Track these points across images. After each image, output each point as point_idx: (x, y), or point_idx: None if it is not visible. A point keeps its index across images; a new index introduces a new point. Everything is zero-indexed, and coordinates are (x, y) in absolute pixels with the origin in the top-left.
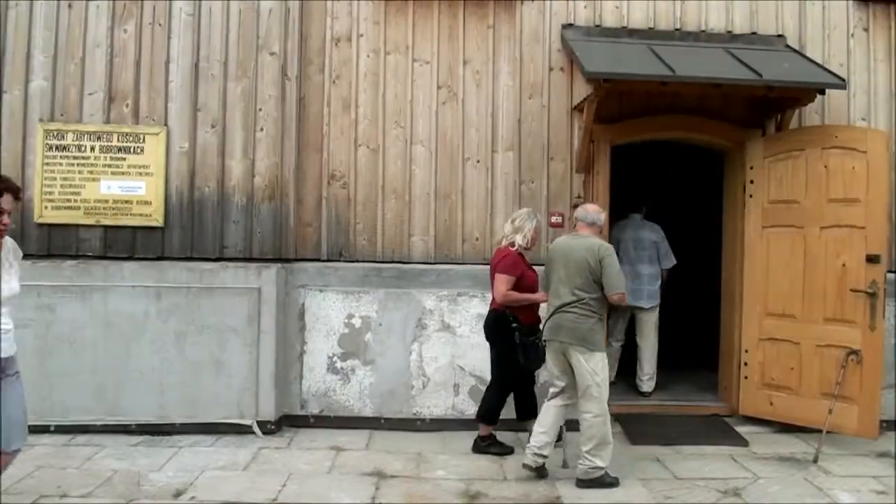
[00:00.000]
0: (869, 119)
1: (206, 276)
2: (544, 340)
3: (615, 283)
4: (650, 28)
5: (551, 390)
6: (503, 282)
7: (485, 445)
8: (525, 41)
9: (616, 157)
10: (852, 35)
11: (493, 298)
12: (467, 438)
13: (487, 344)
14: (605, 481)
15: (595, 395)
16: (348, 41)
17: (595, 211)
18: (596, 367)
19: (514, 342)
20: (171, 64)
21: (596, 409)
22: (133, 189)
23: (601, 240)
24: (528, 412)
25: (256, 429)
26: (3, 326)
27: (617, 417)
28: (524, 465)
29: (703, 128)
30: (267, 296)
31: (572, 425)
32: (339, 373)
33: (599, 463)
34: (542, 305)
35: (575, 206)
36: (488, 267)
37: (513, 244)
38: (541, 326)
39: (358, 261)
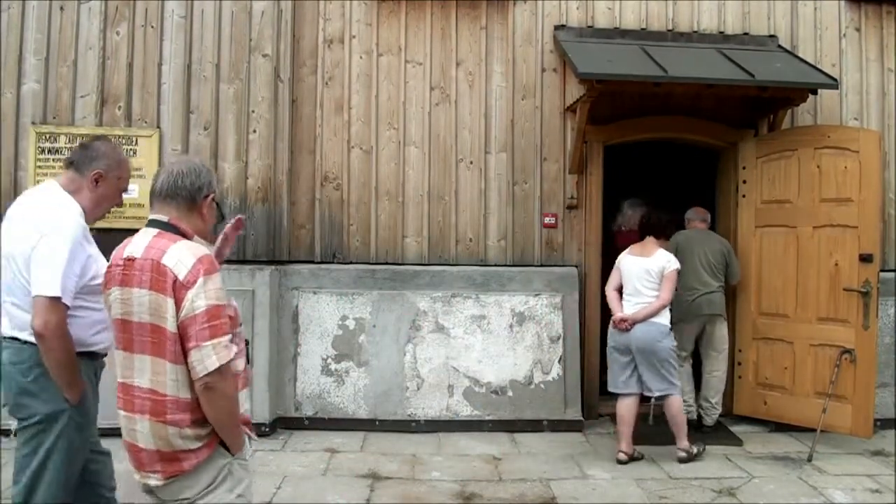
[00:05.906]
0: (861, 119)
1: None
2: (696, 316)
3: (739, 271)
4: (642, 29)
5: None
6: None
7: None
8: (518, 42)
9: (609, 157)
10: (844, 35)
11: None
12: (462, 439)
13: (479, 345)
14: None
15: (726, 356)
16: (341, 42)
17: (704, 212)
18: (726, 334)
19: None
20: (163, 66)
21: (724, 367)
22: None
23: None
24: None
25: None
26: None
27: (612, 418)
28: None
29: (696, 128)
30: (261, 298)
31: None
32: (334, 374)
33: (720, 409)
34: None
35: (569, 207)
36: (482, 268)
37: None
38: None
39: (352, 262)
